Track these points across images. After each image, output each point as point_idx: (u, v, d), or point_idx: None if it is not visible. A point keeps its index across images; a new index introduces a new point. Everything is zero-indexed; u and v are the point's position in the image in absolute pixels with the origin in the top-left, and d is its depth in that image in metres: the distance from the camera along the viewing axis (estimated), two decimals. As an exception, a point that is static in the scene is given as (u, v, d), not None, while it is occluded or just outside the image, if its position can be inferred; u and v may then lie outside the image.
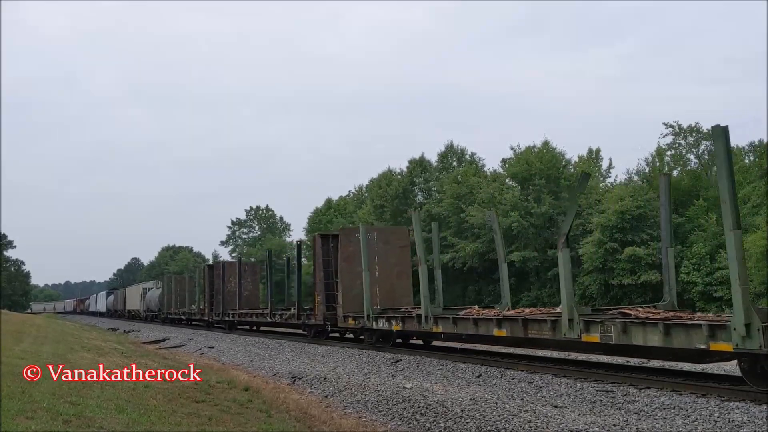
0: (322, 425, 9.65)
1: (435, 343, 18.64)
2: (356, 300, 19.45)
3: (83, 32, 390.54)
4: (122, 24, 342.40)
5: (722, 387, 9.85)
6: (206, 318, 36.97)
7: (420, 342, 19.02)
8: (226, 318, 33.79)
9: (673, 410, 8.97)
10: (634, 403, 9.59)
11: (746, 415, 8.38)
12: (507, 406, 9.84)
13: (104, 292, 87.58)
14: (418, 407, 10.36)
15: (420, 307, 16.55)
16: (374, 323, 18.45)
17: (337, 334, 22.56)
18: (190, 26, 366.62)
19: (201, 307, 39.06)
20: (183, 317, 43.54)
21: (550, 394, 10.70)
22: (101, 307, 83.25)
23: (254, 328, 31.91)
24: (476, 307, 17.36)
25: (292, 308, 25.67)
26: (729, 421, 8.22)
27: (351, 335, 21.71)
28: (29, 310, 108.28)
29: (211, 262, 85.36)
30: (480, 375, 12.89)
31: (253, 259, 64.73)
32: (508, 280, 16.29)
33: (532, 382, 11.72)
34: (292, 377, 14.82)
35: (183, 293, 44.83)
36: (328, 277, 21.68)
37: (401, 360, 15.80)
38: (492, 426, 8.94)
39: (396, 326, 17.55)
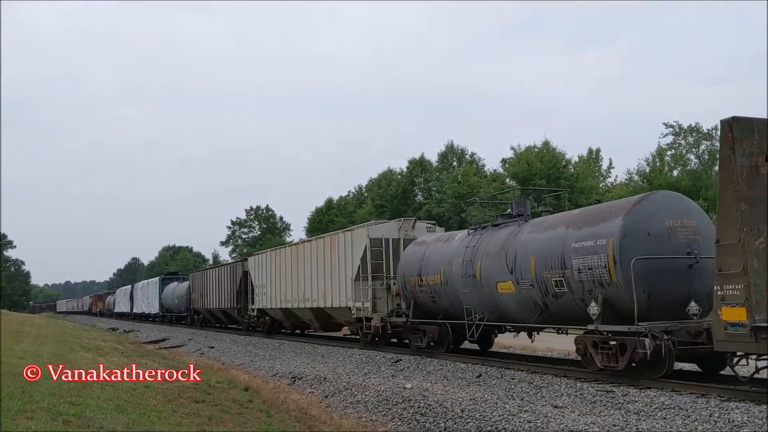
0: (322, 425, 9.66)
1: None
2: None
3: (81, 32, 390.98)
4: (120, 24, 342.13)
5: (722, 387, 9.85)
6: None
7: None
8: None
9: (673, 410, 8.96)
10: (634, 403, 9.58)
11: (746, 415, 8.37)
12: (507, 406, 9.84)
13: (156, 280, 49.80)
14: (418, 407, 10.36)
15: None
16: None
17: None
18: (189, 26, 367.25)
19: None
20: None
21: (550, 394, 10.70)
22: (148, 305, 50.46)
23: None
24: None
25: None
26: (729, 421, 8.22)
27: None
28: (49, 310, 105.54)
29: (211, 262, 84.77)
30: (480, 375, 12.89)
31: None
32: None
33: (532, 382, 11.71)
34: (292, 377, 14.83)
35: None
36: None
37: (401, 360, 15.81)
38: (492, 426, 8.94)
39: None
